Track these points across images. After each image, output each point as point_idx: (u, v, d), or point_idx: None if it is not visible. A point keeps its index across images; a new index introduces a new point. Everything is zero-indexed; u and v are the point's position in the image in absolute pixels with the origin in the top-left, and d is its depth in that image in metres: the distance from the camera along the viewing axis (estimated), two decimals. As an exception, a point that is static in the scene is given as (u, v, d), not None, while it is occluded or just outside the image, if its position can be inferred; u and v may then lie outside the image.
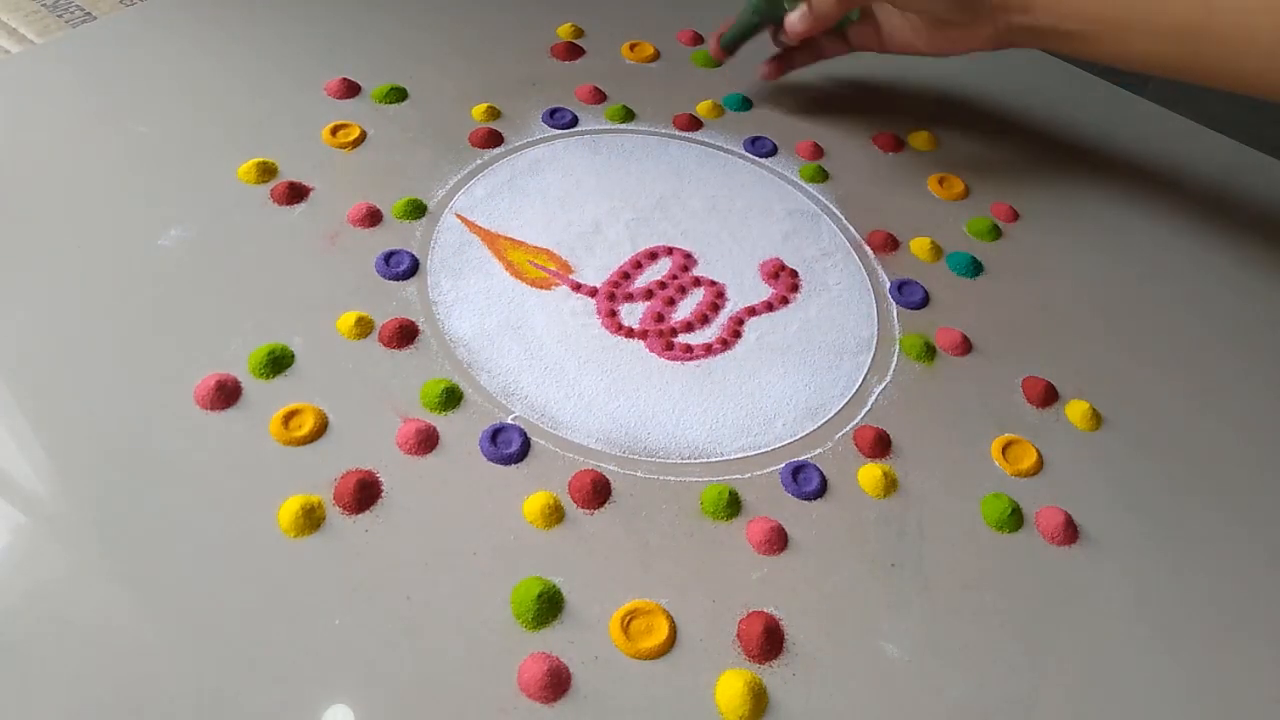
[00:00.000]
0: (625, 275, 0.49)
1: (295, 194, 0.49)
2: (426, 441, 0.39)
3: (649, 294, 0.48)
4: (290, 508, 0.36)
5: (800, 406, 0.44)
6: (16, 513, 0.35)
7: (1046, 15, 0.48)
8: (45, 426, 0.38)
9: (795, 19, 0.52)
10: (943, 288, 0.51)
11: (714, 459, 0.41)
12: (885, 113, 0.63)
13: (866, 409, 0.45)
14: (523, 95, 0.59)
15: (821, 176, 0.57)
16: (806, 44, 0.57)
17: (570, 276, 0.48)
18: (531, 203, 0.52)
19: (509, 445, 0.40)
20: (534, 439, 0.41)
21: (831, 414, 0.44)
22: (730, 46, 0.60)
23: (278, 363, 0.41)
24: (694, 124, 0.60)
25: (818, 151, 0.59)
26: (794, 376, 0.45)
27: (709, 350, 0.46)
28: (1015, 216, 0.57)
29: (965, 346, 0.48)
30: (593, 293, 0.48)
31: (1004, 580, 0.39)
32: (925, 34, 0.52)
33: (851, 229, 0.54)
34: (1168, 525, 0.42)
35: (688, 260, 0.50)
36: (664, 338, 0.46)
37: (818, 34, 0.54)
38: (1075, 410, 0.46)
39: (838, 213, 0.55)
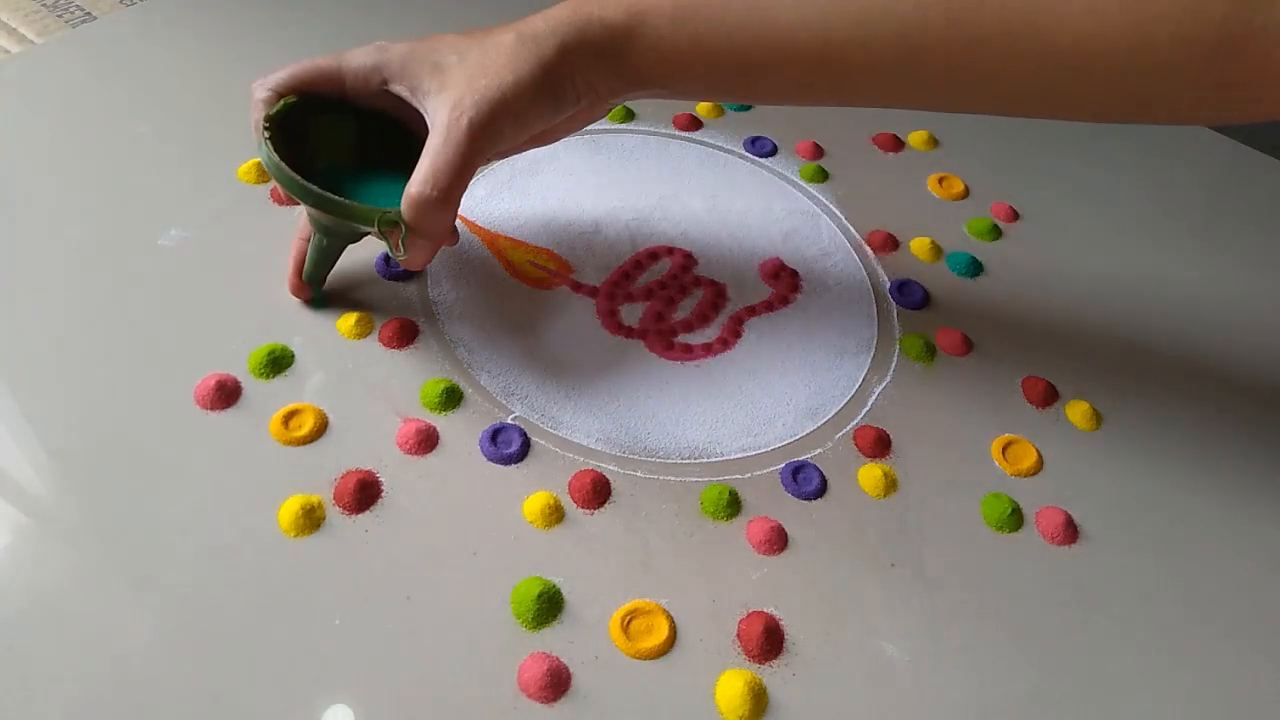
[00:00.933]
0: (625, 275, 0.49)
1: (295, 194, 0.49)
2: (426, 441, 0.39)
3: (649, 294, 0.48)
4: (290, 508, 0.36)
5: (800, 406, 0.44)
6: (16, 513, 0.35)
7: (662, 92, 0.40)
8: (45, 426, 0.38)
9: (412, 255, 0.38)
10: (943, 288, 0.51)
11: (714, 459, 0.41)
12: (885, 113, 0.63)
13: (866, 409, 0.45)
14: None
15: (821, 176, 0.57)
16: None
17: (570, 276, 0.48)
18: (531, 203, 0.52)
19: (509, 445, 0.40)
20: (534, 439, 0.41)
21: (831, 414, 0.44)
22: (316, 280, 0.43)
23: (278, 363, 0.41)
24: (694, 124, 0.60)
25: (818, 151, 0.59)
26: (794, 376, 0.45)
27: (709, 350, 0.46)
28: (1015, 216, 0.57)
29: (965, 346, 0.48)
30: (593, 293, 0.48)
31: (1004, 580, 0.39)
32: (529, 141, 0.41)
33: (851, 229, 0.54)
34: (1168, 525, 0.42)
35: (688, 260, 0.50)
36: (664, 337, 0.46)
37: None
38: (1075, 410, 0.46)
39: (838, 213, 0.55)
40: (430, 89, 0.37)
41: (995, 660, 0.36)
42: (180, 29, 0.59)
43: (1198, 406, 0.47)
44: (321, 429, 0.39)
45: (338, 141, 0.41)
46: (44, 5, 0.60)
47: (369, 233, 0.39)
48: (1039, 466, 0.43)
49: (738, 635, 0.35)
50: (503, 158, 0.50)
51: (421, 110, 0.38)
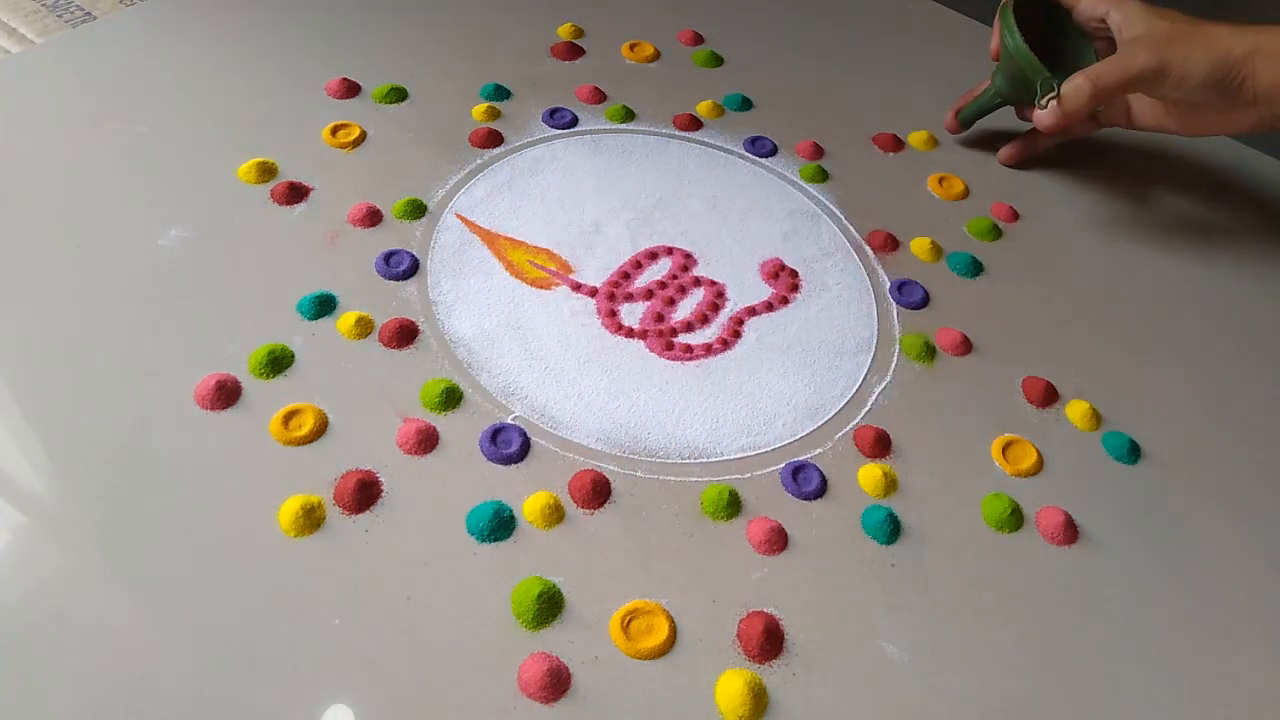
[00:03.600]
0: (625, 275, 0.49)
1: (295, 194, 0.49)
2: (426, 441, 0.39)
3: (649, 294, 0.48)
4: (290, 508, 0.36)
5: (800, 406, 0.44)
6: (16, 513, 0.35)
7: None
8: (45, 426, 0.38)
9: (1045, 116, 0.52)
10: (943, 288, 0.51)
11: (714, 459, 0.41)
12: (885, 113, 0.63)
13: (866, 409, 0.45)
14: (523, 95, 0.59)
15: (821, 176, 0.57)
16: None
17: (570, 276, 0.48)
18: (531, 203, 0.52)
19: (509, 445, 0.40)
20: (534, 439, 0.41)
21: (831, 414, 0.44)
22: (967, 121, 0.61)
23: (278, 363, 0.41)
24: (694, 124, 0.60)
25: (818, 151, 0.59)
26: (794, 376, 0.45)
27: (709, 350, 0.46)
28: (1015, 216, 0.57)
29: (965, 346, 0.48)
30: (593, 293, 0.48)
31: (1004, 580, 0.39)
32: (1178, 117, 0.53)
33: (851, 229, 0.54)
34: (1167, 525, 0.42)
35: (688, 260, 0.50)
36: (664, 338, 0.46)
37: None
38: (1075, 410, 0.46)
39: (838, 213, 0.55)
40: (1136, 20, 0.50)
41: (995, 660, 0.36)
42: (180, 29, 0.59)
43: (1197, 406, 0.47)
44: (321, 429, 0.39)
45: (1030, 24, 0.55)
46: (44, 5, 0.60)
47: (1027, 99, 0.56)
48: (1039, 466, 0.43)
49: (738, 635, 0.35)
50: (1143, 110, 0.56)
51: (1115, 33, 0.51)
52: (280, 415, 0.39)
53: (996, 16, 0.55)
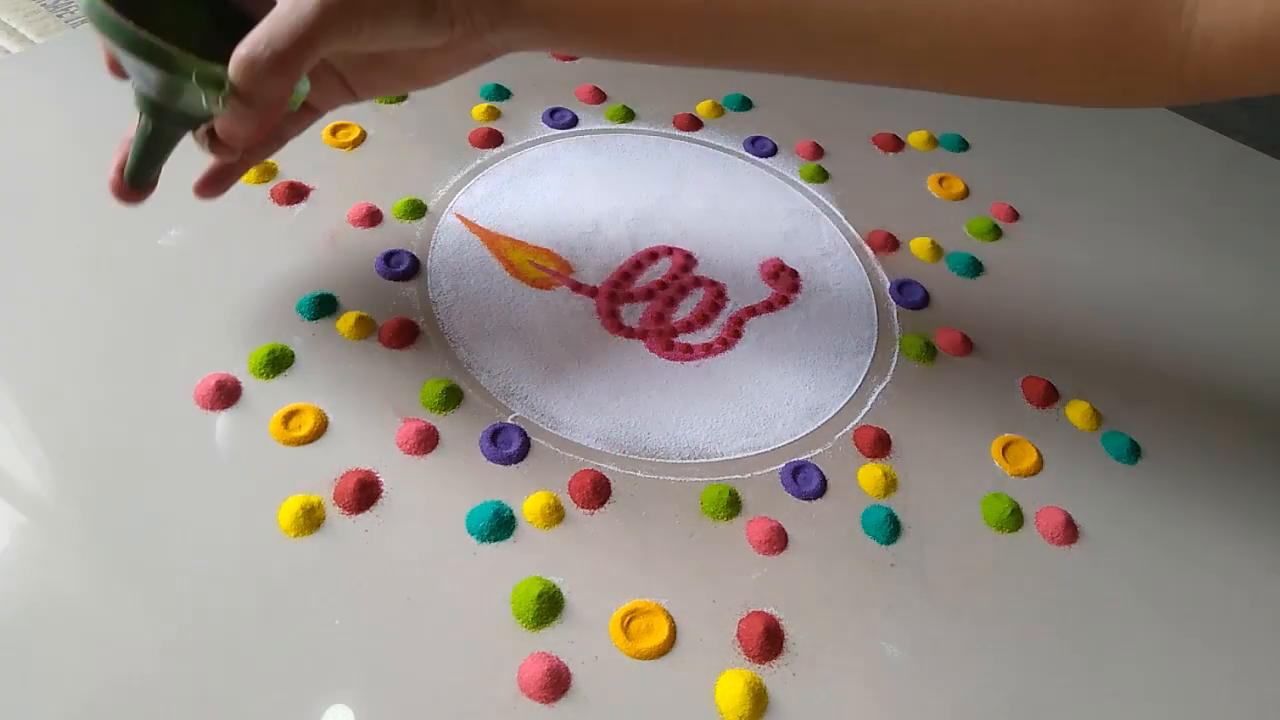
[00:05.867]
0: (625, 275, 0.49)
1: (295, 194, 0.49)
2: (426, 441, 0.39)
3: (649, 294, 0.48)
4: (290, 508, 0.36)
5: (800, 406, 0.44)
6: (16, 513, 0.35)
7: (544, 30, 0.37)
8: (45, 426, 0.38)
9: (231, 125, 0.34)
10: (943, 288, 0.51)
11: (714, 459, 0.41)
12: (885, 113, 0.63)
13: (866, 409, 0.45)
14: (523, 95, 0.59)
15: (821, 176, 0.57)
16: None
17: (570, 276, 0.48)
18: (531, 203, 0.52)
19: (509, 445, 0.40)
20: (534, 439, 0.41)
21: (831, 414, 0.44)
22: (139, 178, 0.37)
23: (278, 363, 0.41)
24: (694, 124, 0.60)
25: (818, 151, 0.59)
26: (794, 376, 0.45)
27: (709, 350, 0.46)
28: (1015, 216, 0.57)
29: (965, 346, 0.48)
30: (593, 293, 0.48)
31: (1004, 580, 0.39)
32: (401, 72, 0.39)
33: (851, 229, 0.54)
34: (1167, 525, 0.42)
35: (688, 260, 0.50)
36: (664, 338, 0.46)
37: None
38: (1075, 410, 0.46)
39: (838, 213, 0.55)
40: None
41: (995, 660, 0.36)
42: (180, 29, 0.59)
43: (1198, 406, 0.47)
44: (321, 429, 0.39)
45: (186, 29, 0.34)
46: (44, 5, 0.60)
47: (199, 117, 0.34)
48: (1039, 466, 0.43)
49: (738, 635, 0.35)
50: (359, 74, 0.40)
51: None
52: (280, 415, 0.39)
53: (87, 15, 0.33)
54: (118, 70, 0.36)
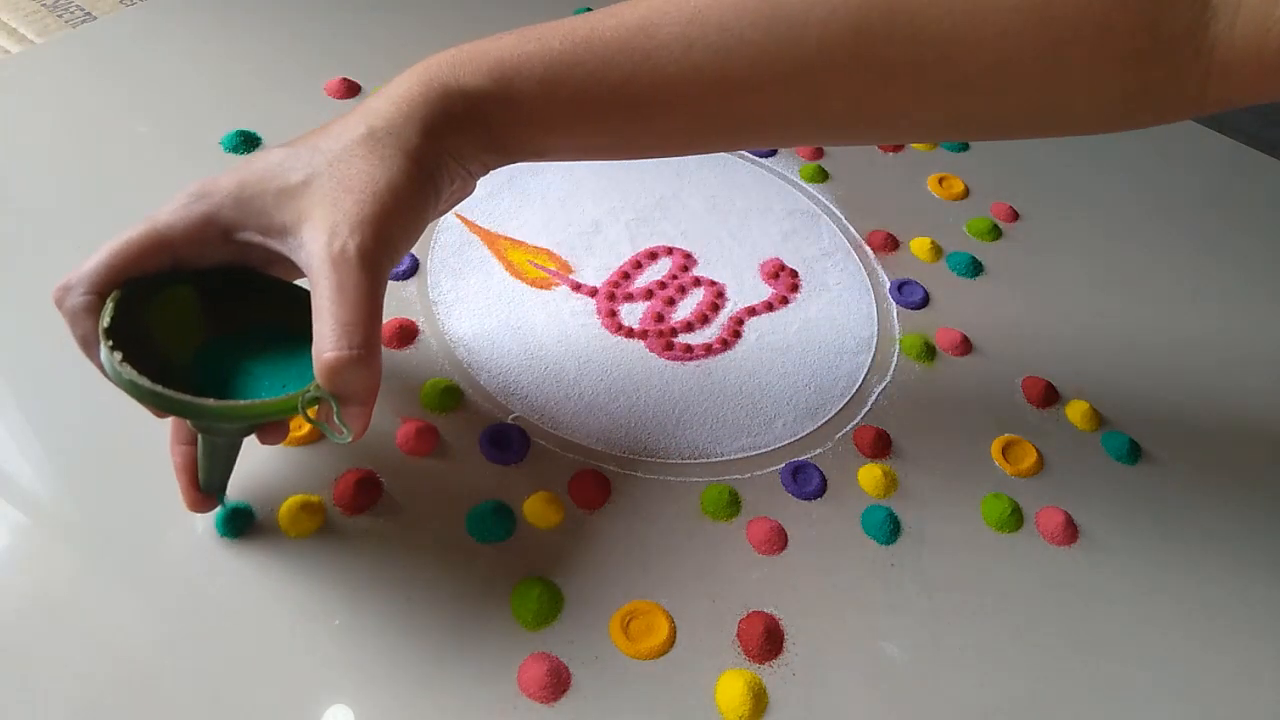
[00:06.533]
0: (625, 275, 0.49)
1: (295, 194, 0.49)
2: (426, 441, 0.39)
3: (649, 294, 0.48)
4: (290, 508, 0.36)
5: (800, 406, 0.44)
6: (16, 513, 0.35)
7: (530, 156, 0.35)
8: (45, 426, 0.38)
9: (357, 432, 0.30)
10: (943, 288, 0.51)
11: (714, 459, 0.41)
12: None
13: (866, 409, 0.45)
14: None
15: (821, 176, 0.57)
16: None
17: (570, 276, 0.48)
18: (531, 203, 0.52)
19: (509, 445, 0.40)
20: (534, 439, 0.41)
21: (831, 414, 0.44)
22: (215, 485, 0.34)
23: (278, 363, 0.41)
24: (694, 124, 0.60)
25: (818, 151, 0.59)
26: (794, 376, 0.45)
27: (709, 350, 0.46)
28: (1015, 216, 0.57)
29: (965, 346, 0.48)
30: (593, 293, 0.48)
31: (1004, 580, 0.39)
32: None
33: (851, 229, 0.54)
34: (1167, 525, 0.42)
35: (688, 260, 0.50)
36: (664, 338, 0.46)
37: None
38: (1075, 410, 0.46)
39: (838, 213, 0.55)
40: (288, 223, 0.30)
41: (995, 660, 0.36)
42: (180, 29, 0.59)
43: (1197, 406, 0.47)
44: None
45: (181, 320, 0.31)
46: (44, 5, 0.60)
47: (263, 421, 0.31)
48: (1039, 466, 0.43)
49: (738, 635, 0.35)
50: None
51: (283, 252, 0.30)
52: (280, 415, 0.39)
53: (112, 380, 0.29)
54: (161, 414, 0.32)
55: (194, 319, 0.32)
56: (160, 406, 0.28)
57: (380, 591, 0.35)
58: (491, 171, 0.35)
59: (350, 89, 0.56)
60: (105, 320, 0.29)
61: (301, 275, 0.30)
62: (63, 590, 0.33)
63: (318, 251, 0.29)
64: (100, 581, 0.34)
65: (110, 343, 0.28)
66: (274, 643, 0.33)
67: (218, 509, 0.35)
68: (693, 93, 0.32)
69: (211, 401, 0.28)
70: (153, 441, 0.38)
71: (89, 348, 0.30)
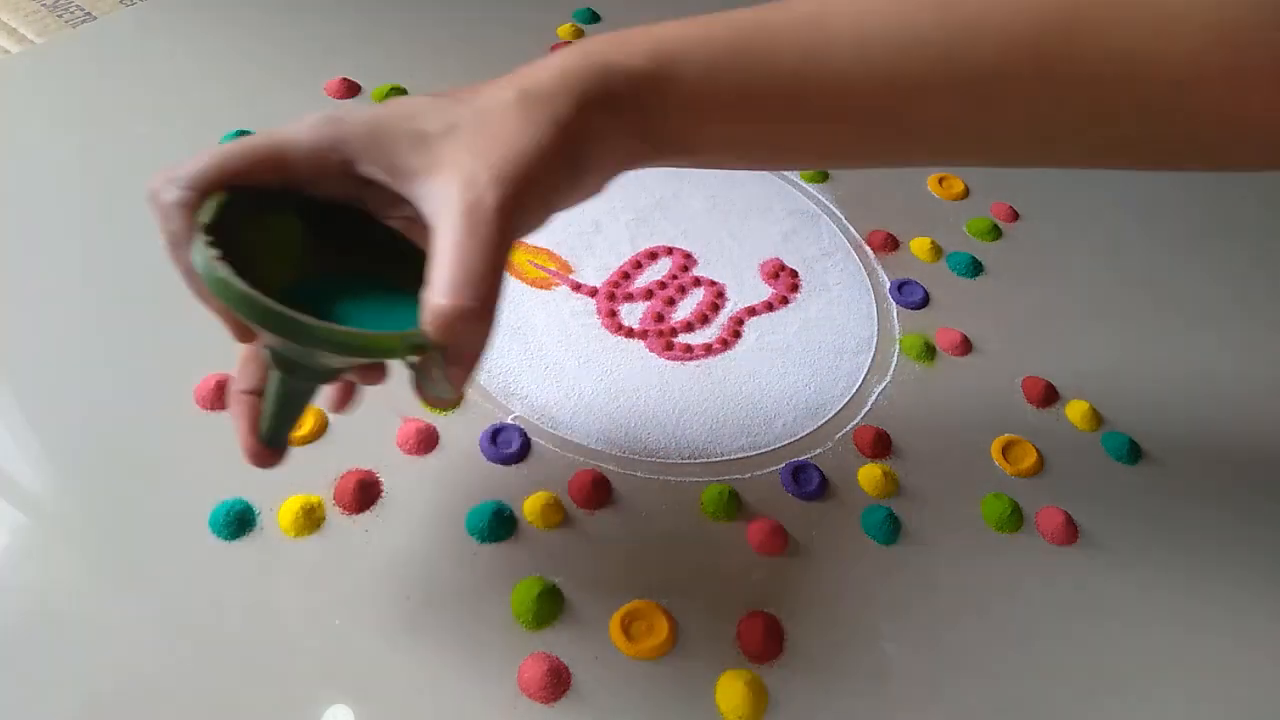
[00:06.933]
0: (625, 275, 0.49)
1: (295, 194, 0.49)
2: (426, 441, 0.39)
3: (649, 294, 0.48)
4: (290, 508, 0.36)
5: (800, 406, 0.44)
6: (16, 513, 0.35)
7: (685, 159, 0.33)
8: (45, 426, 0.38)
9: (439, 390, 0.28)
10: (943, 288, 0.51)
11: (714, 459, 0.41)
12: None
13: (866, 409, 0.45)
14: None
15: (821, 176, 0.57)
16: None
17: (570, 276, 0.48)
18: (531, 203, 0.52)
19: (509, 445, 0.40)
20: (534, 439, 0.41)
21: (831, 414, 0.44)
22: (277, 437, 0.31)
23: (278, 363, 0.41)
24: (694, 124, 0.60)
25: (818, 151, 0.59)
26: (794, 376, 0.45)
27: (709, 350, 0.46)
28: (1015, 216, 0.57)
29: (965, 346, 0.48)
30: (593, 293, 0.48)
31: (1004, 580, 0.39)
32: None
33: (851, 229, 0.54)
34: (1167, 525, 0.42)
35: (688, 260, 0.50)
36: (664, 338, 0.46)
37: None
38: (1075, 410, 0.46)
39: (838, 213, 0.55)
40: (417, 167, 0.28)
41: (995, 660, 0.36)
42: (180, 29, 0.59)
43: (1197, 406, 0.47)
44: (321, 429, 0.39)
45: (279, 248, 0.29)
46: (44, 5, 0.60)
47: (338, 369, 0.29)
48: (1039, 466, 0.43)
49: (738, 635, 0.35)
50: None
51: (407, 196, 0.28)
52: (280, 415, 0.39)
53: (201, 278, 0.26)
54: (245, 335, 0.31)
55: (292, 251, 0.29)
56: (251, 316, 0.24)
57: (380, 591, 0.35)
58: (629, 169, 0.32)
59: (350, 89, 0.56)
60: (205, 216, 0.26)
61: (415, 228, 0.29)
62: (63, 590, 0.33)
63: (452, 197, 0.27)
64: (100, 581, 0.34)
65: (211, 245, 0.25)
66: (274, 643, 0.33)
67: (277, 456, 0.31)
68: (863, 89, 0.30)
69: (314, 321, 0.24)
70: (153, 441, 0.38)
71: (176, 248, 0.28)
